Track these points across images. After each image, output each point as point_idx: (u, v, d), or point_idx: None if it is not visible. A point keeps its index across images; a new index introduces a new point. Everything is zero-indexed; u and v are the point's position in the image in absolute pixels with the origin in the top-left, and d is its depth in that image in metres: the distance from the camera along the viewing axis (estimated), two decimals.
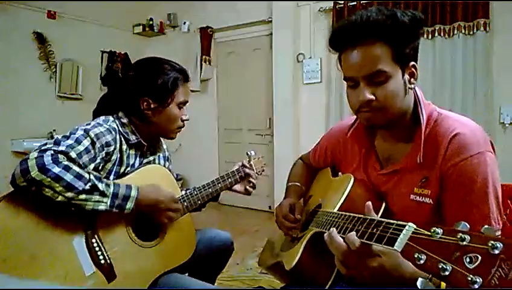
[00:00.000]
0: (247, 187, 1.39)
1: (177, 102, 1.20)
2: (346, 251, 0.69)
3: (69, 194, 0.94)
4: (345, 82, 0.90)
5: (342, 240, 0.70)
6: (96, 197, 0.98)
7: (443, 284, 0.53)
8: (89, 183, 0.96)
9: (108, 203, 1.00)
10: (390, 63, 0.81)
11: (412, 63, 0.86)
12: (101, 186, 0.99)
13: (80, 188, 0.95)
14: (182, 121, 1.24)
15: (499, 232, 0.79)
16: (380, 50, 0.80)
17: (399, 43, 0.81)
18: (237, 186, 1.39)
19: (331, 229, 0.73)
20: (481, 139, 0.83)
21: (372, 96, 0.83)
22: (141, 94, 1.17)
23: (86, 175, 0.97)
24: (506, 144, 2.80)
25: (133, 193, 1.05)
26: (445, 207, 0.84)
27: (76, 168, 0.96)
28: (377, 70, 0.81)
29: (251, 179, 1.37)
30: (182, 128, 1.27)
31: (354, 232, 0.69)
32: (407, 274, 0.67)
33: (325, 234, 0.74)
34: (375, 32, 0.80)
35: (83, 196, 0.95)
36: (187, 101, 1.24)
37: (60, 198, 0.93)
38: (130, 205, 1.03)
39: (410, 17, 0.80)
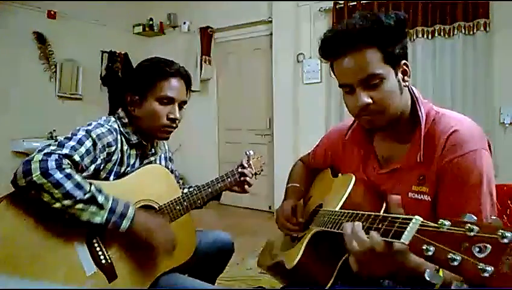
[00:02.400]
0: (244, 186, 1.37)
1: (157, 96, 1.15)
2: (368, 248, 0.66)
3: (67, 202, 0.93)
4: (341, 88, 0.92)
5: (365, 236, 0.68)
6: (93, 209, 0.97)
7: (441, 272, 0.53)
8: (88, 194, 0.96)
9: (105, 217, 0.98)
10: (382, 65, 0.84)
11: (404, 61, 0.88)
12: (100, 198, 0.98)
13: (78, 198, 0.94)
14: (170, 119, 1.18)
15: None
16: (370, 54, 0.83)
17: (387, 45, 0.83)
18: (235, 186, 1.37)
19: (357, 223, 0.71)
20: (477, 137, 0.84)
21: (370, 100, 0.85)
22: (126, 89, 1.17)
23: (87, 186, 0.97)
24: (506, 144, 2.80)
25: (130, 212, 1.02)
26: (439, 202, 0.85)
27: (77, 177, 0.96)
28: (370, 73, 0.83)
29: (247, 179, 1.35)
30: (174, 129, 1.21)
31: (376, 232, 0.66)
32: (412, 264, 0.67)
33: (347, 225, 0.72)
34: (363, 38, 0.82)
35: (79, 206, 0.95)
36: (173, 98, 1.17)
37: (57, 205, 0.93)
38: (125, 223, 1.01)
39: (394, 19, 0.83)
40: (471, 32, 2.84)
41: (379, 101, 0.85)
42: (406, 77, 0.89)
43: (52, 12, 3.77)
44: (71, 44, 3.92)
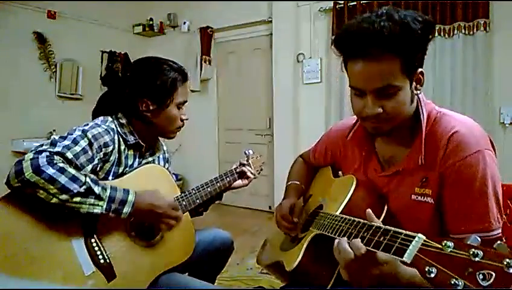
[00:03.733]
0: (246, 174, 1.39)
1: (176, 102, 1.19)
2: (351, 258, 0.68)
3: (64, 197, 0.93)
4: (347, 84, 0.89)
5: (348, 247, 0.69)
6: (92, 201, 0.97)
7: None
8: (84, 186, 0.95)
9: (104, 207, 0.98)
10: (400, 76, 0.79)
11: (420, 70, 0.84)
12: (96, 189, 0.97)
13: (75, 191, 0.94)
14: (182, 120, 1.24)
15: (499, 231, 0.79)
16: (390, 64, 0.77)
17: (410, 54, 0.78)
18: (235, 183, 1.39)
19: (342, 238, 0.72)
20: (480, 137, 0.83)
21: (380, 110, 0.82)
22: (140, 95, 1.16)
23: (82, 177, 0.96)
24: (506, 144, 2.80)
25: (130, 198, 1.03)
26: (445, 206, 0.84)
27: (71, 170, 0.95)
28: (387, 85, 0.79)
29: (247, 176, 1.38)
30: (182, 128, 1.26)
31: (359, 239, 0.69)
32: (404, 280, 0.68)
33: (336, 241, 0.74)
34: (387, 44, 0.76)
35: (77, 199, 0.94)
36: (186, 101, 1.24)
37: (54, 200, 0.93)
38: (127, 209, 1.02)
39: (422, 24, 0.77)
40: (471, 32, 2.84)
41: (390, 110, 0.82)
42: (418, 86, 0.86)
43: (52, 12, 3.77)
44: (71, 44, 3.92)
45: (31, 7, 3.61)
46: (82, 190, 0.95)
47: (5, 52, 3.45)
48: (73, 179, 0.94)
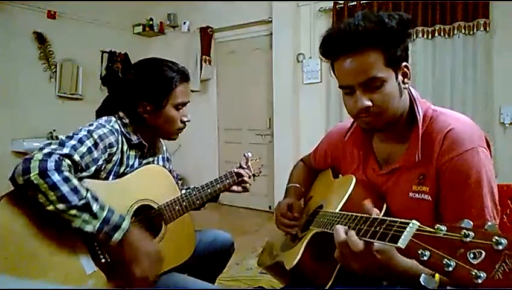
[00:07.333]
0: (242, 185, 1.38)
1: (174, 103, 1.17)
2: (344, 245, 0.68)
3: (61, 206, 0.92)
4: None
5: (359, 240, 0.66)
6: (86, 217, 0.94)
7: (437, 277, 0.53)
8: (83, 201, 0.94)
9: (97, 226, 0.95)
10: (384, 68, 0.83)
11: (404, 63, 0.87)
12: (94, 207, 0.95)
13: (73, 203, 0.92)
14: (182, 122, 1.22)
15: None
16: (372, 57, 0.82)
17: (390, 47, 0.82)
18: (234, 187, 1.38)
19: (350, 231, 0.69)
20: (475, 135, 0.84)
21: (370, 103, 0.84)
22: (138, 97, 1.15)
23: (83, 191, 0.95)
24: (506, 144, 2.80)
25: (124, 224, 0.99)
26: (442, 203, 0.85)
27: (75, 182, 0.94)
28: (372, 77, 0.82)
29: (245, 179, 1.36)
30: (183, 129, 1.25)
31: (353, 231, 0.68)
32: (399, 268, 0.68)
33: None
34: (365, 40, 0.81)
35: (73, 212, 0.93)
36: (186, 102, 1.21)
37: (50, 207, 0.92)
38: (118, 235, 0.97)
39: (397, 20, 0.82)
40: (471, 32, 2.84)
41: (379, 104, 0.84)
42: (406, 80, 0.89)
43: (52, 12, 3.77)
44: (71, 44, 3.92)
45: (31, 7, 3.61)
46: (80, 203, 0.93)
47: (5, 52, 3.45)
48: (75, 191, 0.93)
